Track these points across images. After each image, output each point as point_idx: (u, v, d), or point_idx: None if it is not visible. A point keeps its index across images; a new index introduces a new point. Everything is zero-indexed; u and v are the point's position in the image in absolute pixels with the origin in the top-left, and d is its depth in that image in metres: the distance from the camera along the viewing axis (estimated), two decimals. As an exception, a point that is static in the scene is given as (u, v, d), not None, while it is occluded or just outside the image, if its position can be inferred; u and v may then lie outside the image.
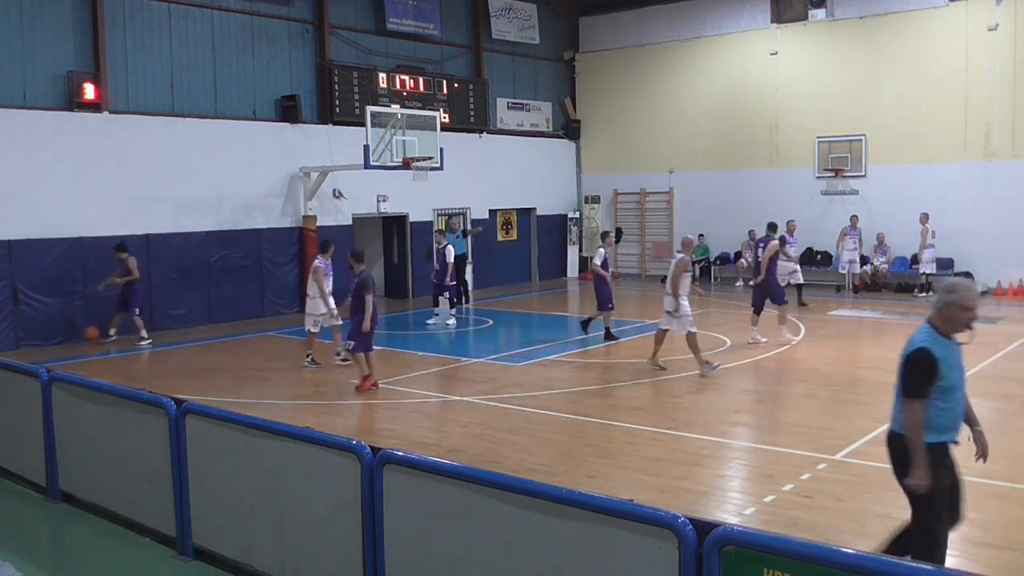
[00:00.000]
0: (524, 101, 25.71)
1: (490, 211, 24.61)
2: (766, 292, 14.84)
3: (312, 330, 13.55)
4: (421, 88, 22.16)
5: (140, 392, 7.04)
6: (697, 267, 21.26)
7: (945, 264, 20.79)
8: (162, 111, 17.52)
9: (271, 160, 19.17)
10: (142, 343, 15.65)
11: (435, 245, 17.88)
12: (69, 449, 7.60)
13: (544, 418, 10.35)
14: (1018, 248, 20.03)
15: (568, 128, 26.94)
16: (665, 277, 24.47)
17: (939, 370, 5.09)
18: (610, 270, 16.15)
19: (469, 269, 22.74)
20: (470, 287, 21.64)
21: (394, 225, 22.46)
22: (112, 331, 15.96)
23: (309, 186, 19.56)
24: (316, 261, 13.42)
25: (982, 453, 5.40)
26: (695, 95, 24.76)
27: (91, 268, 15.96)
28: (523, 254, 26.06)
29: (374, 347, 12.00)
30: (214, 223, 18.23)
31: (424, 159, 18.31)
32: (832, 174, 22.47)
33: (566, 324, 19.00)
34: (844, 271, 21.57)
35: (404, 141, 18.00)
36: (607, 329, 15.45)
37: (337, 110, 20.26)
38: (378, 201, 21.22)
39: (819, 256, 22.73)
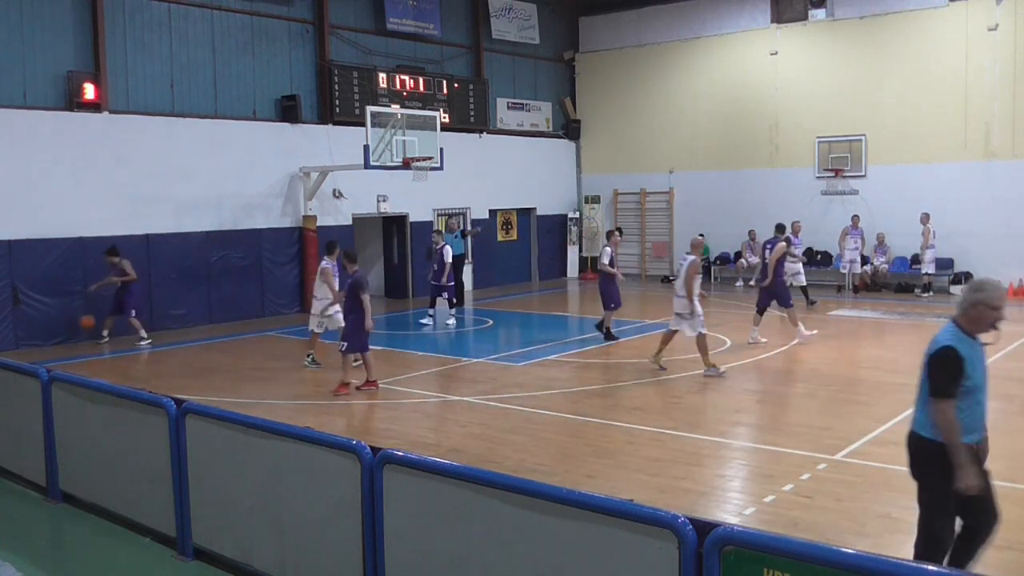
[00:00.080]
0: (524, 101, 25.72)
1: (490, 211, 24.61)
2: (773, 294, 14.77)
3: (316, 330, 13.54)
4: (421, 88, 22.16)
5: (140, 392, 7.04)
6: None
7: (945, 264, 20.81)
8: (162, 111, 17.53)
9: (271, 160, 19.17)
10: (142, 343, 15.65)
11: (432, 245, 17.85)
12: (69, 449, 7.60)
13: (544, 418, 10.35)
14: (1018, 248, 20.04)
15: (568, 128, 26.94)
16: (666, 277, 24.85)
17: (965, 369, 4.98)
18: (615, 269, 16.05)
19: (469, 269, 22.77)
20: (467, 288, 21.62)
21: (394, 225, 22.47)
22: (105, 333, 15.95)
23: (309, 186, 19.56)
24: (323, 263, 13.36)
25: (983, 458, 5.36)
26: (695, 95, 24.75)
27: (91, 268, 15.94)
28: (523, 254, 26.06)
29: (370, 347, 11.96)
30: (214, 223, 18.22)
31: (424, 159, 18.31)
32: (832, 174, 22.48)
33: (566, 324, 19.01)
34: (845, 271, 21.57)
35: (404, 141, 18.00)
36: (608, 329, 15.44)
37: (337, 110, 20.26)
38: (378, 201, 21.22)
39: (819, 256, 22.73)
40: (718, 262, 24.51)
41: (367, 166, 17.56)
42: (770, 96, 23.39)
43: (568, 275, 26.72)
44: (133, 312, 15.78)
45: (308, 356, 13.56)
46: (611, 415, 10.38)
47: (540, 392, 11.57)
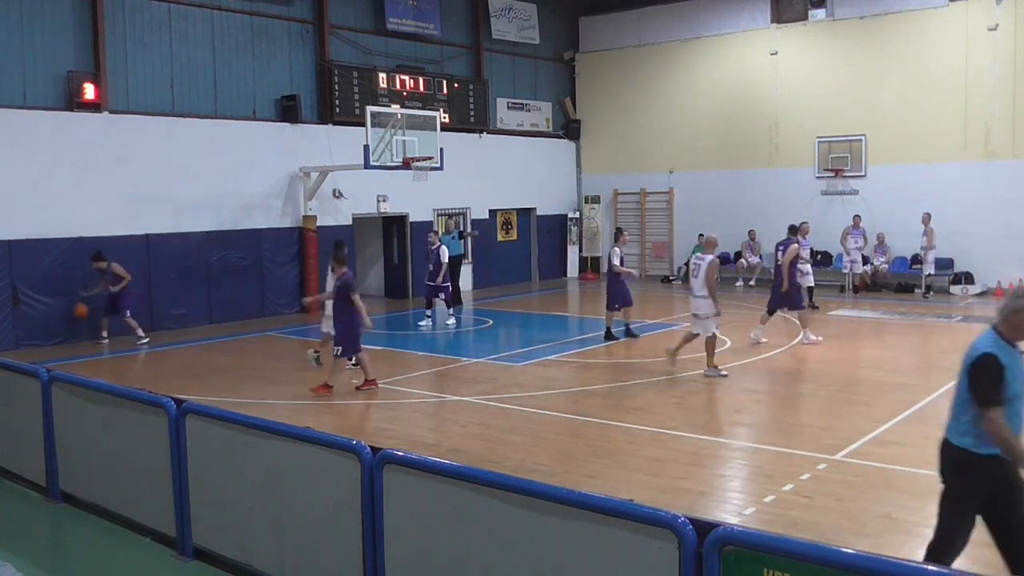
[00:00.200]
0: (524, 101, 25.72)
1: (490, 211, 24.61)
2: (788, 296, 14.64)
3: (330, 332, 13.43)
4: (421, 88, 22.16)
5: (140, 392, 7.04)
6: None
7: (945, 264, 20.82)
8: (162, 111, 17.52)
9: (271, 160, 19.17)
10: (140, 342, 15.65)
11: (429, 245, 17.77)
12: (69, 449, 7.60)
13: (544, 418, 10.35)
14: (1018, 248, 20.03)
15: (568, 128, 26.94)
16: (666, 277, 24.86)
17: (1005, 377, 4.89)
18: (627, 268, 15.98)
19: (468, 270, 22.77)
20: (466, 288, 21.59)
21: (394, 225, 22.46)
22: (104, 334, 15.95)
23: (309, 186, 19.56)
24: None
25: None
26: (695, 95, 24.76)
27: (91, 268, 15.89)
28: (523, 254, 26.06)
29: (363, 347, 11.92)
30: (214, 223, 18.22)
31: (424, 159, 18.30)
32: (832, 174, 22.48)
33: (566, 324, 19.01)
34: (847, 271, 21.56)
35: (404, 141, 18.00)
36: (608, 329, 15.43)
37: (337, 110, 20.26)
38: (378, 201, 21.22)
39: (819, 256, 22.72)
40: (718, 262, 24.44)
41: (367, 166, 17.56)
42: (770, 96, 23.39)
43: (568, 275, 26.72)
44: (128, 312, 15.77)
45: (316, 353, 13.43)
46: (611, 415, 10.38)
47: (540, 392, 11.57)
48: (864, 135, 21.97)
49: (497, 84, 24.68)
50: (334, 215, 20.32)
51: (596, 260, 26.68)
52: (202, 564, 6.31)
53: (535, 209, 26.06)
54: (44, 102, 15.96)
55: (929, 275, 20.44)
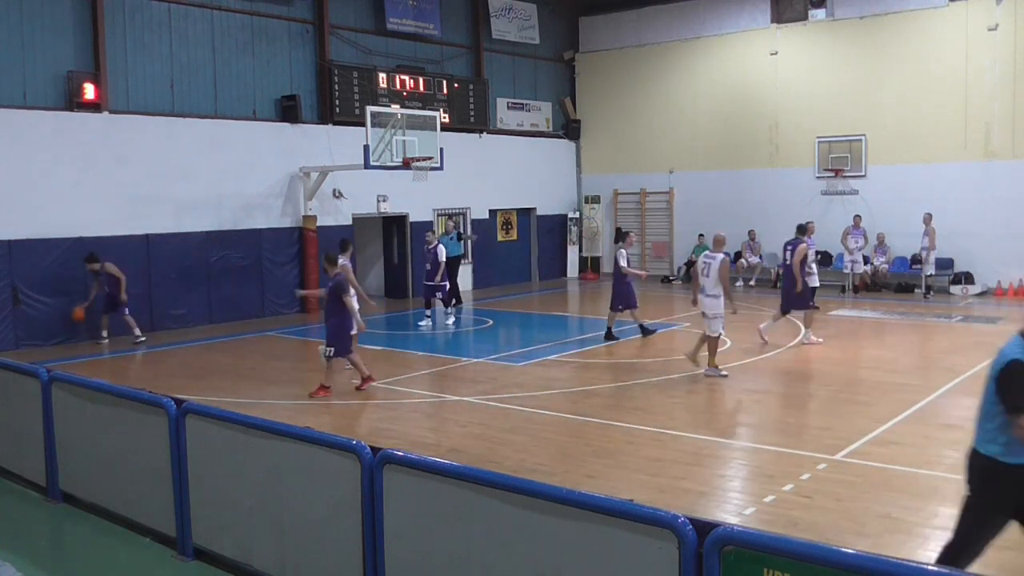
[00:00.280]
0: (524, 101, 25.72)
1: (490, 211, 24.61)
2: (800, 297, 14.56)
3: None
4: (421, 88, 22.17)
5: (140, 392, 7.04)
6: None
7: (945, 264, 20.81)
8: (162, 111, 17.52)
9: (271, 160, 19.17)
10: (137, 341, 15.66)
11: (426, 245, 17.74)
12: (69, 449, 7.60)
13: (544, 418, 10.35)
14: (1018, 248, 20.04)
15: (568, 128, 26.94)
16: (666, 278, 24.84)
17: None
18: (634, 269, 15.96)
19: (468, 270, 22.75)
20: (466, 288, 21.58)
21: (394, 225, 22.46)
22: (104, 334, 15.95)
23: (309, 186, 19.56)
24: (341, 260, 13.26)
25: None
26: (695, 95, 24.76)
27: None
28: (523, 254, 26.06)
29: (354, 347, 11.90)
30: (214, 223, 18.22)
31: (424, 159, 18.30)
32: (832, 174, 22.47)
33: (566, 324, 19.01)
34: (848, 271, 21.55)
35: (404, 141, 18.00)
36: (608, 329, 15.43)
37: (337, 110, 20.26)
38: (378, 201, 21.22)
39: (819, 256, 22.68)
40: (729, 260, 24.43)
41: (367, 166, 17.56)
42: (770, 96, 23.39)
43: (568, 275, 26.71)
44: (126, 310, 15.77)
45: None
46: (611, 415, 10.38)
47: (540, 392, 11.57)
48: (864, 135, 21.97)
49: (497, 84, 24.68)
50: (334, 215, 20.31)
51: (596, 260, 26.69)
52: (202, 564, 6.31)
53: (535, 209, 26.06)
54: (44, 102, 15.96)
55: (929, 275, 20.45)
